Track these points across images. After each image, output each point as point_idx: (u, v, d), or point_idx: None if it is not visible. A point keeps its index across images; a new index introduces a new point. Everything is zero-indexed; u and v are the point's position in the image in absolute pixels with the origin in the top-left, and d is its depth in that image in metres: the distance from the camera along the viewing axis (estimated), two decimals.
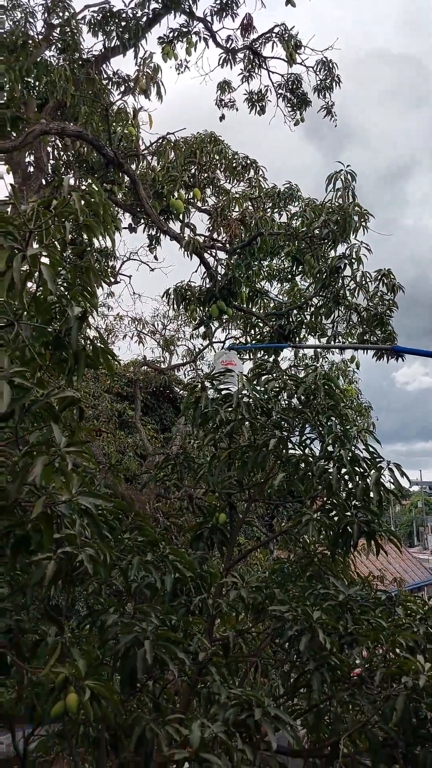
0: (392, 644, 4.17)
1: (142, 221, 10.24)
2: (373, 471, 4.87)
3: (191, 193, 10.01)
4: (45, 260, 3.63)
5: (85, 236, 4.20)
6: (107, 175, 8.98)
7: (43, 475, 2.94)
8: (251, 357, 11.30)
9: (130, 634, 3.76)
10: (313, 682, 4.04)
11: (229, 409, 5.47)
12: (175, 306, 10.41)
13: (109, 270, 12.70)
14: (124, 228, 10.74)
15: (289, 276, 11.35)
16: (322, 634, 4.10)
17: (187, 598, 4.95)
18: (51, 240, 3.85)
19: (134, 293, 15.65)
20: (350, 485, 4.97)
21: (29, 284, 3.67)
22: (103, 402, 14.23)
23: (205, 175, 10.68)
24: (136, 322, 16.20)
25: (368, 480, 4.83)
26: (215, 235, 10.02)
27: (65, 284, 3.88)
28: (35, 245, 3.69)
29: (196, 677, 4.26)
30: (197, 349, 16.14)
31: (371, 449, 5.10)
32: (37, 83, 8.90)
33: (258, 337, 11.09)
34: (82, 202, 3.98)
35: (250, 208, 10.23)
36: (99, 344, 3.69)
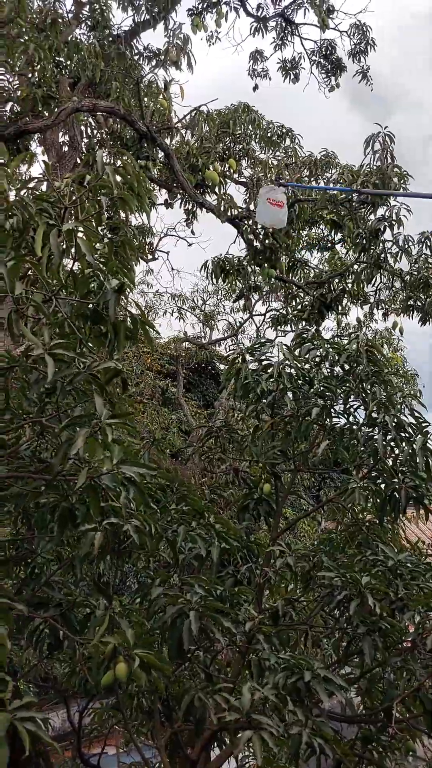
0: None
1: (178, 196, 10.17)
2: (419, 436, 4.80)
3: (226, 165, 9.88)
4: (81, 235, 3.62)
5: (120, 211, 4.17)
6: (141, 151, 8.93)
7: (85, 447, 2.94)
8: (293, 328, 11.18)
9: (175, 606, 3.77)
10: (364, 647, 4.02)
11: (271, 379, 5.42)
12: (213, 279, 10.36)
13: (146, 246, 12.67)
14: (160, 204, 10.68)
15: (329, 244, 11.19)
16: (372, 598, 4.07)
17: (235, 568, 4.95)
18: (86, 216, 3.83)
19: (173, 269, 15.56)
20: (396, 451, 4.91)
21: (66, 261, 3.67)
22: (146, 379, 14.27)
23: (240, 146, 10.54)
24: (176, 299, 16.15)
25: (414, 445, 4.75)
26: (252, 206, 9.90)
27: (102, 259, 3.87)
28: (71, 221, 3.67)
29: (246, 647, 4.27)
30: (238, 323, 16.07)
31: (417, 414, 5.02)
32: (68, 62, 8.87)
33: (299, 307, 10.97)
34: (117, 176, 3.95)
35: (288, 176, 10.07)
36: (138, 317, 3.68)
